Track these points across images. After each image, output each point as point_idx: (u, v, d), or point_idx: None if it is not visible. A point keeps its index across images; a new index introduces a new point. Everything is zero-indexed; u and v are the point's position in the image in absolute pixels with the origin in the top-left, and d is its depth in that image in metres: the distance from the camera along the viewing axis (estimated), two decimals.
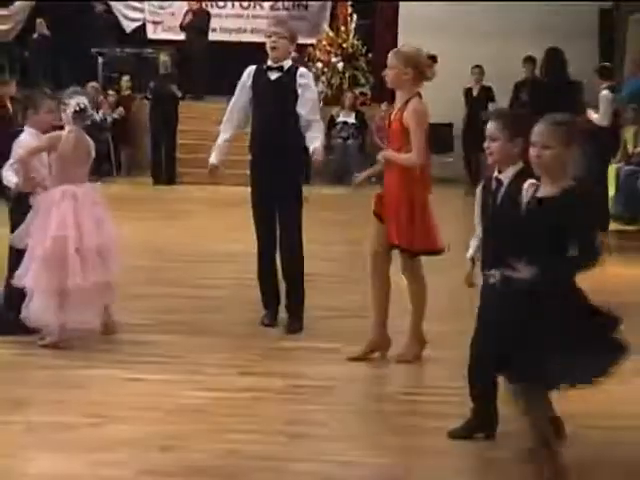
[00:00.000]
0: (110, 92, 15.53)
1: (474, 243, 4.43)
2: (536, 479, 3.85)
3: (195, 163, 14.00)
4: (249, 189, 6.28)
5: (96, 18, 17.13)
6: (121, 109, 15.13)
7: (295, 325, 6.20)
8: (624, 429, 4.41)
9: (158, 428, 4.52)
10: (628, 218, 9.71)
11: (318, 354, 5.69)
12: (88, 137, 5.92)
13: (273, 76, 6.14)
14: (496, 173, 4.26)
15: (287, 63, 6.19)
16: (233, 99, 6.33)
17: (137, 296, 6.69)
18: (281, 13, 15.90)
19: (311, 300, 6.32)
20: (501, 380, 4.11)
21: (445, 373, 5.41)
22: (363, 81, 15.61)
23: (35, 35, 16.76)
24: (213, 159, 6.29)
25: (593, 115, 10.16)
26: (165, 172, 14.39)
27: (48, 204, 5.71)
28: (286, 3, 17.49)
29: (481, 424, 4.42)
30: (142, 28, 17.73)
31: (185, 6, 16.62)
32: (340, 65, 15.58)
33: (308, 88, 6.17)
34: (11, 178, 5.81)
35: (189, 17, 16.32)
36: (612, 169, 10.00)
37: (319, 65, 15.46)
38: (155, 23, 17.78)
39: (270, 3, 17.52)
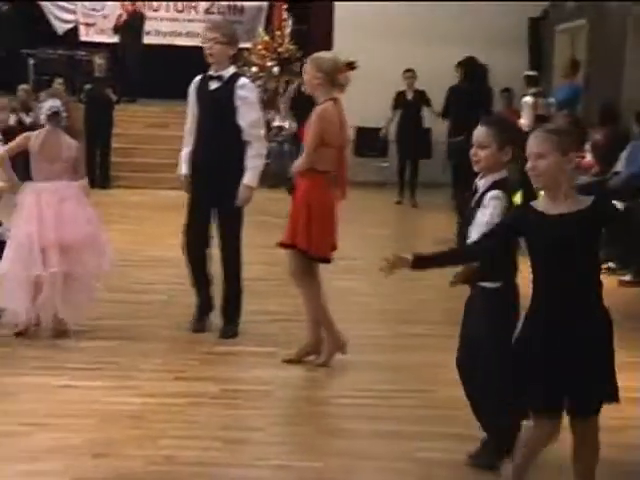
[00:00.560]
0: (42, 94, 15.27)
1: None
2: None
3: (129, 167, 13.92)
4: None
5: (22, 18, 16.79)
6: None
7: (230, 330, 6.19)
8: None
9: (91, 435, 4.47)
10: None
11: (253, 358, 5.70)
12: (67, 137, 6.17)
13: (212, 86, 6.02)
14: (477, 179, 4.12)
15: (228, 72, 6.01)
16: (188, 109, 6.20)
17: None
18: (216, 17, 15.87)
19: (247, 305, 6.32)
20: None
21: (378, 376, 5.47)
22: None
23: None
24: (184, 170, 6.16)
25: (520, 121, 10.38)
26: (100, 176, 14.25)
27: (21, 200, 6.06)
28: (221, 7, 17.48)
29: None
30: (74, 30, 17.53)
31: (119, 8, 16.48)
32: (276, 69, 15.61)
33: (247, 100, 5.98)
34: None
35: (123, 19, 16.18)
36: None
37: (254, 69, 15.46)
38: (88, 25, 17.59)
39: (205, 6, 17.48)
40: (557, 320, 3.46)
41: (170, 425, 4.65)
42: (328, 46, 15.13)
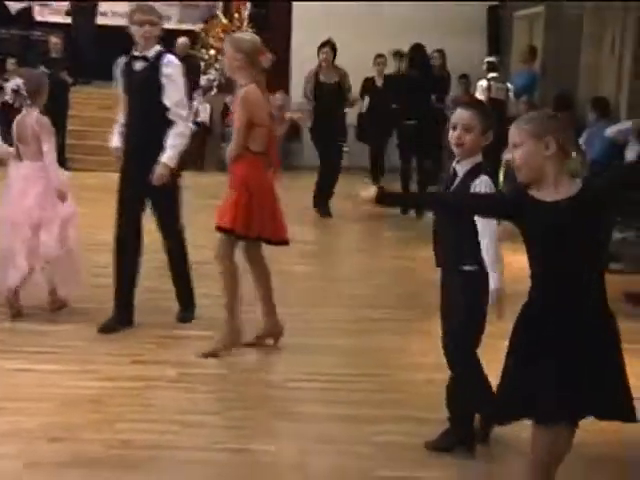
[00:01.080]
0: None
1: None
2: None
3: (84, 150, 13.75)
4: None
5: None
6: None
7: (187, 315, 6.18)
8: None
9: (48, 419, 4.44)
10: None
11: (210, 342, 5.68)
12: (43, 117, 6.31)
13: (137, 66, 5.89)
14: (454, 163, 4.10)
15: (152, 51, 5.86)
16: (119, 91, 6.08)
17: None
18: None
19: (201, 289, 6.31)
20: None
21: (335, 360, 5.50)
22: None
23: None
24: (116, 142, 6.04)
25: None
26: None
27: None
28: None
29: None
30: (29, 10, 17.25)
31: None
32: None
33: (172, 78, 5.81)
34: None
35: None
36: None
37: (212, 52, 15.36)
38: (42, 5, 17.32)
39: None
40: (554, 310, 3.28)
41: (127, 409, 4.64)
42: (287, 29, 15.11)
